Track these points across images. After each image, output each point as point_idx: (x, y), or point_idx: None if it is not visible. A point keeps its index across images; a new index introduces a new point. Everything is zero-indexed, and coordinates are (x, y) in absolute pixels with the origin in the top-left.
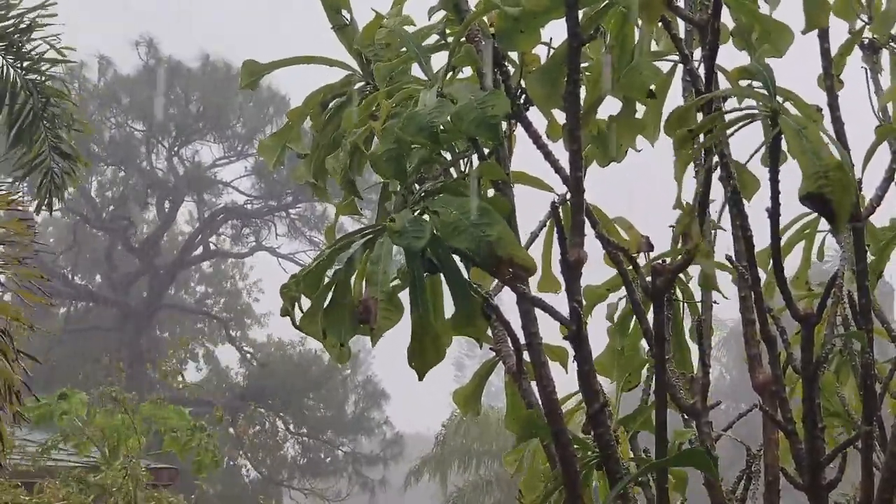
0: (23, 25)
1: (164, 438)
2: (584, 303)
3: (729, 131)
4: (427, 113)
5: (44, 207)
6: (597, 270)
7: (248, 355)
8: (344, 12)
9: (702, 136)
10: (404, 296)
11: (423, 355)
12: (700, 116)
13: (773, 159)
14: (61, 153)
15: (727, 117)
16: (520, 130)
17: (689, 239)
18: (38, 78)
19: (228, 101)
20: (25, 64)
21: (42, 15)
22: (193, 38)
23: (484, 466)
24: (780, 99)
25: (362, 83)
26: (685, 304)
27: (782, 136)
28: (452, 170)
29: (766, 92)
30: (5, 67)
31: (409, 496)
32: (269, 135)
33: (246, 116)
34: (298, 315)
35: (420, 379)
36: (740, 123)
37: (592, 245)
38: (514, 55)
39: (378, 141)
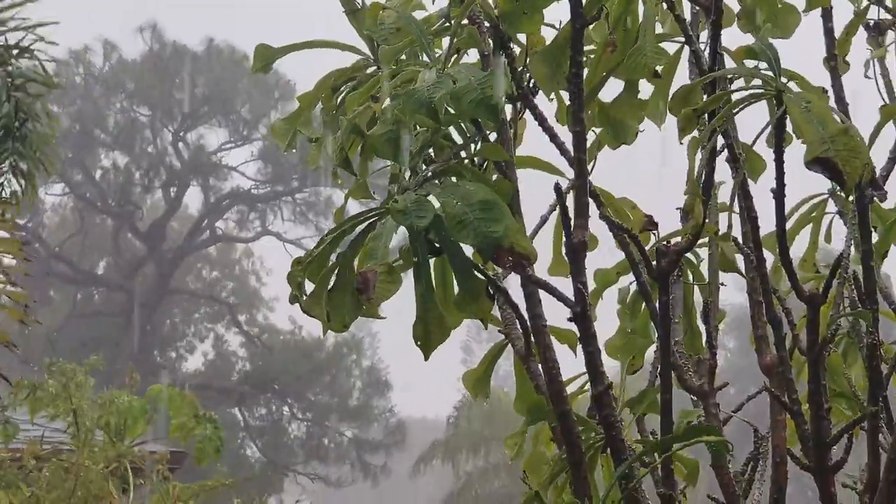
0: (21, 42)
1: (172, 423)
2: (595, 286)
3: (734, 111)
4: (425, 89)
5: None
6: (607, 254)
7: (255, 340)
8: None
9: (706, 117)
10: (409, 281)
11: (428, 335)
12: (706, 97)
13: (778, 140)
14: (21, 175)
15: (732, 97)
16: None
17: (690, 218)
18: (24, 96)
19: (234, 86)
20: (17, 81)
21: (37, 30)
22: (196, 22)
23: (494, 451)
24: (784, 79)
25: (373, 68)
26: (697, 287)
27: (787, 116)
28: (462, 153)
29: (770, 72)
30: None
31: (417, 481)
32: (276, 119)
33: (251, 101)
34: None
35: (426, 359)
36: (745, 103)
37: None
38: (522, 38)
39: (379, 123)
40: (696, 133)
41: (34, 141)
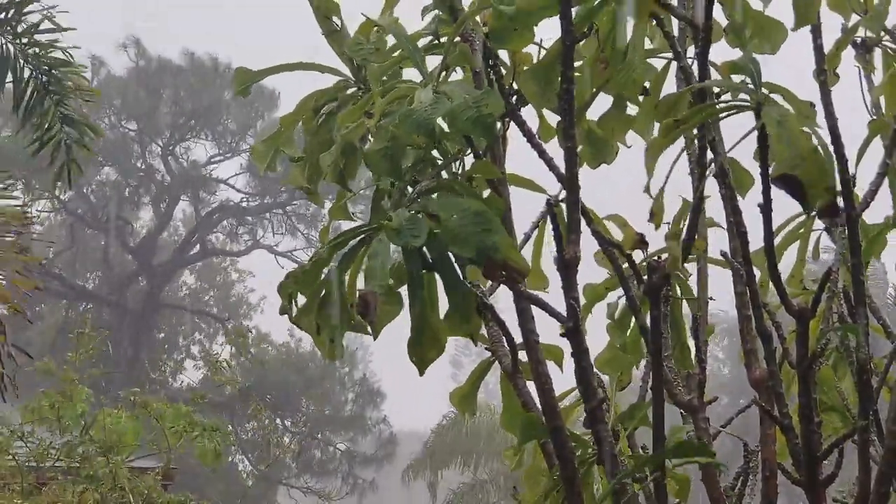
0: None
1: (165, 434)
2: (584, 301)
3: (713, 121)
4: (423, 110)
5: (59, 186)
6: (596, 269)
7: (245, 352)
8: (334, 19)
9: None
10: (403, 292)
11: (423, 350)
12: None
13: (763, 153)
14: (71, 122)
15: (714, 109)
16: (513, 132)
17: (653, 217)
18: (39, 50)
19: (217, 98)
20: (24, 39)
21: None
22: (187, 38)
23: (481, 466)
24: (771, 94)
25: (354, 89)
26: (685, 303)
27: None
28: (444, 172)
29: (752, 85)
30: (4, 45)
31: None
32: (260, 134)
33: (236, 112)
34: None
35: (421, 374)
36: (725, 114)
37: (590, 243)
38: (504, 55)
39: (372, 140)
40: (665, 141)
41: (69, 88)
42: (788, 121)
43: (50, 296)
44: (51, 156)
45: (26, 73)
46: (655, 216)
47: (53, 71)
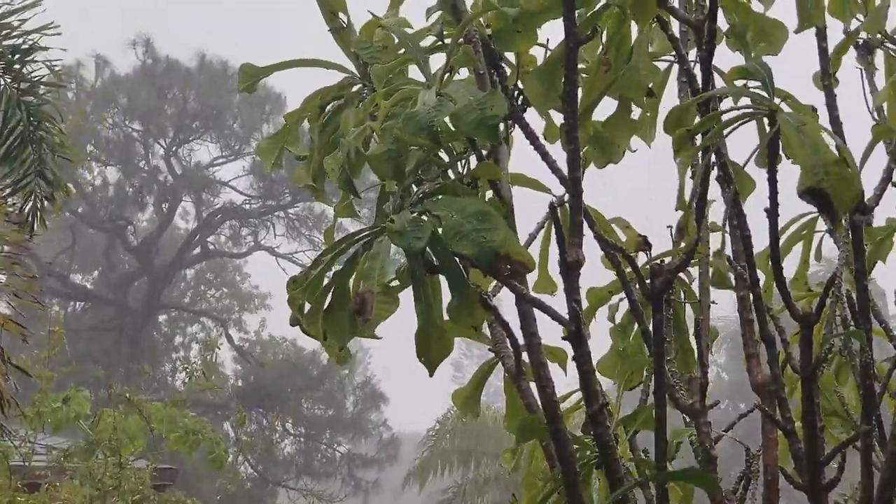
0: (24, 46)
1: (169, 438)
2: (588, 304)
3: (726, 131)
4: (426, 112)
5: (26, 231)
6: (599, 272)
7: (246, 354)
8: (341, 15)
9: (699, 136)
10: (406, 296)
11: (431, 350)
12: (698, 116)
13: (771, 159)
14: (45, 179)
15: (725, 116)
16: (519, 131)
17: (684, 236)
18: (34, 100)
19: (225, 100)
20: (23, 86)
21: (45, 35)
22: (188, 37)
23: (483, 465)
24: (776, 99)
25: (359, 86)
26: (688, 306)
27: (780, 135)
28: (450, 171)
29: (763, 91)
30: (3, 87)
31: (404, 496)
32: (266, 135)
33: (243, 115)
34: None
35: (430, 374)
36: (738, 122)
37: (594, 246)
38: (510, 56)
39: (376, 142)
40: (688, 152)
41: (51, 143)
42: (807, 127)
43: (50, 295)
44: (22, 205)
45: (16, 118)
46: (685, 233)
47: (41, 125)
